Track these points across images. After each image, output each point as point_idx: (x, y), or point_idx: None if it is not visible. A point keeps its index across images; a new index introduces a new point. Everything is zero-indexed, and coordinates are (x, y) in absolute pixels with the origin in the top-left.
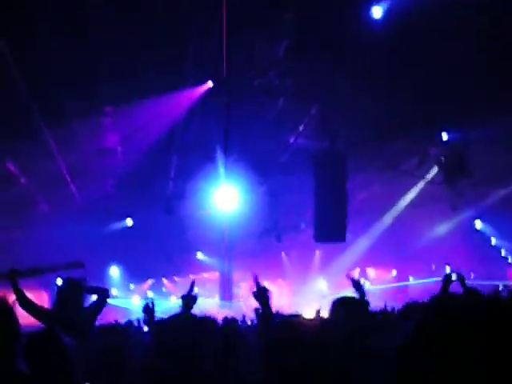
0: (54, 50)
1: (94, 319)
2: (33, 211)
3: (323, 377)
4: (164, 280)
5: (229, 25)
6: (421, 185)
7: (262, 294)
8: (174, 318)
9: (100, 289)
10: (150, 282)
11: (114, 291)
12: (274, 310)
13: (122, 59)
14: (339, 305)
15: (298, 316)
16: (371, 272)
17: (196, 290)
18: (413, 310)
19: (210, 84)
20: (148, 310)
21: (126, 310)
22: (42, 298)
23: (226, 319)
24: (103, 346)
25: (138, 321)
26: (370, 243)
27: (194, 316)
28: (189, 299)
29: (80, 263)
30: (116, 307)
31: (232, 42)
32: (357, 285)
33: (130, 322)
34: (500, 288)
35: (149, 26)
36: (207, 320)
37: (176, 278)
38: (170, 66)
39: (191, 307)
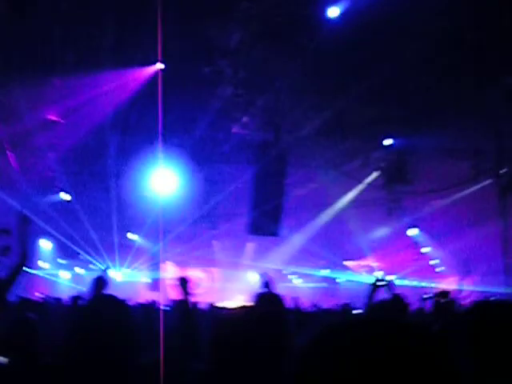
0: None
1: (9, 287)
2: None
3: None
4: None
5: (184, 9)
6: (360, 187)
7: (183, 284)
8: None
9: (25, 252)
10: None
11: (43, 264)
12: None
13: (75, 29)
14: (259, 299)
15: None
16: (304, 270)
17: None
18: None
19: (159, 66)
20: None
21: (54, 283)
22: None
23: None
24: (18, 317)
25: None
26: (305, 240)
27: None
28: (99, 281)
29: (6, 230)
30: (44, 280)
31: (186, 28)
32: (266, 284)
33: (53, 299)
34: (425, 296)
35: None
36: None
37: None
38: (123, 43)
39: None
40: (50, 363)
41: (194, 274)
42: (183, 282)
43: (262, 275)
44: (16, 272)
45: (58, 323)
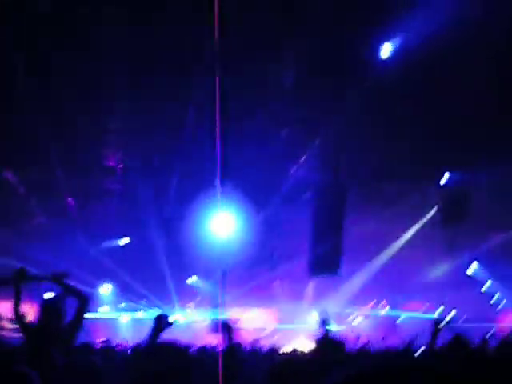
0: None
1: (76, 332)
2: (29, 222)
3: None
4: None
5: (237, 51)
6: (418, 225)
7: (226, 329)
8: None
9: (80, 292)
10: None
11: (104, 309)
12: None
13: (131, 78)
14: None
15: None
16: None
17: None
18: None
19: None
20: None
21: (115, 327)
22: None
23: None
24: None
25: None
26: (365, 280)
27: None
28: (160, 320)
29: (65, 274)
30: (105, 324)
31: (243, 67)
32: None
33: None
34: (488, 335)
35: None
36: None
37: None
38: (175, 90)
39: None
40: None
41: (257, 315)
42: (227, 327)
43: (321, 313)
44: (82, 314)
45: (119, 369)
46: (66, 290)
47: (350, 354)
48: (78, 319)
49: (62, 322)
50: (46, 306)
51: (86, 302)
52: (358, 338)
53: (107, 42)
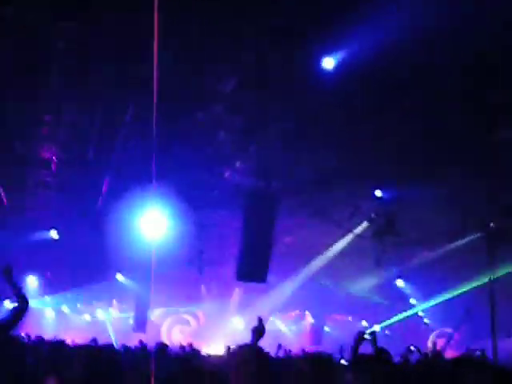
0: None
1: (10, 329)
2: None
3: None
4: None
5: (179, 53)
6: (349, 237)
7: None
8: None
9: (24, 294)
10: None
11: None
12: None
13: (71, 67)
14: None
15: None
16: (289, 316)
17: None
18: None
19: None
20: None
21: (39, 321)
22: None
23: None
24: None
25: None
26: (293, 288)
27: None
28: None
29: (10, 267)
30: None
31: (180, 71)
32: (256, 330)
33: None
34: (412, 348)
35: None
36: None
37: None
38: (113, 85)
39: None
40: None
41: (182, 317)
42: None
43: (258, 320)
44: (19, 316)
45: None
46: (13, 288)
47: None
48: (14, 321)
49: None
50: None
51: (26, 304)
52: (280, 346)
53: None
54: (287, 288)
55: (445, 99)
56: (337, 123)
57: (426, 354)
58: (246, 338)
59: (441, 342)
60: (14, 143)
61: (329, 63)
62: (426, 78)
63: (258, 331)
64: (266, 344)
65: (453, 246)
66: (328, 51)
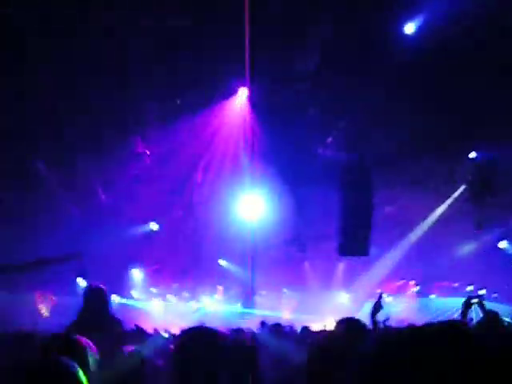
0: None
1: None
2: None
3: None
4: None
5: (263, 36)
6: (447, 202)
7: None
8: None
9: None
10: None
11: (135, 293)
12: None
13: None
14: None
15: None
16: (393, 286)
17: None
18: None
19: (244, 93)
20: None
21: (146, 312)
22: None
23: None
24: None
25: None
26: (396, 259)
27: None
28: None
29: (78, 254)
30: (137, 309)
31: (268, 54)
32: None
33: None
34: (473, 300)
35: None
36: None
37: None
38: (199, 81)
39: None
40: None
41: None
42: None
43: (379, 296)
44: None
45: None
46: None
47: None
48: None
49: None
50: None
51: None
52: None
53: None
54: (390, 259)
55: None
56: (425, 89)
57: None
58: (351, 312)
59: None
60: (107, 137)
61: (410, 28)
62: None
63: (377, 306)
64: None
65: None
66: (409, 17)
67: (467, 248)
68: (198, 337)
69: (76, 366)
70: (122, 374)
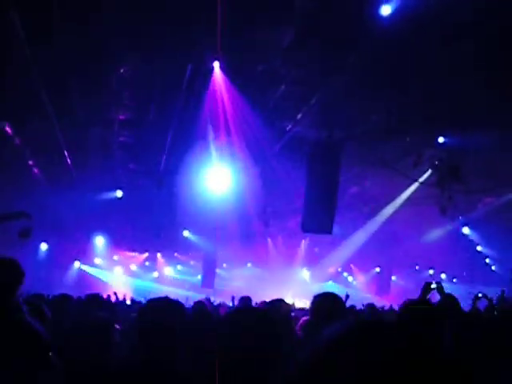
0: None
1: None
2: (27, 175)
3: None
4: (158, 255)
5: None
6: (414, 185)
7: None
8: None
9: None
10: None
11: (97, 260)
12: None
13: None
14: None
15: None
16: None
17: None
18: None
19: (216, 64)
20: None
21: (106, 283)
22: None
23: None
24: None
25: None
26: (361, 240)
27: None
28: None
29: (25, 213)
30: (98, 279)
31: (239, 27)
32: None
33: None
34: (479, 295)
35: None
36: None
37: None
38: (175, 44)
39: None
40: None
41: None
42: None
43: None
44: None
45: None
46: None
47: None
48: None
49: None
50: None
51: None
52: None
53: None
54: (354, 240)
55: (504, 42)
56: (397, 71)
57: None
58: (313, 290)
59: None
60: (77, 104)
61: (386, 10)
62: (487, 19)
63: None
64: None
65: None
66: None
67: (431, 233)
68: (162, 306)
69: None
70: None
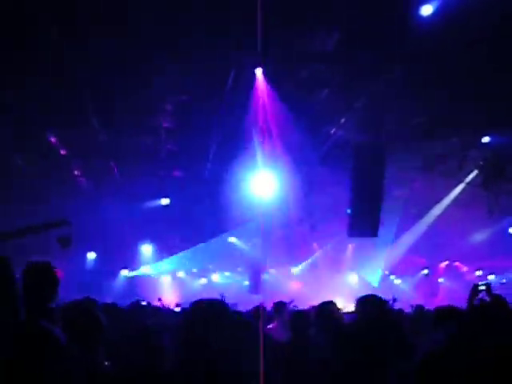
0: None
1: None
2: (73, 184)
3: None
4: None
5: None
6: (460, 187)
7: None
8: None
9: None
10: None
11: (145, 268)
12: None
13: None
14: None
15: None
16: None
17: None
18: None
19: (258, 71)
20: None
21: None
22: None
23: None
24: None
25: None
26: (408, 242)
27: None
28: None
29: (65, 220)
30: (146, 286)
31: (282, 33)
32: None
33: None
34: (481, 287)
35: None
36: None
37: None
38: (216, 52)
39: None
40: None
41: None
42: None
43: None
44: None
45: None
46: None
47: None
48: None
49: None
50: None
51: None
52: (394, 299)
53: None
54: (402, 242)
55: None
56: (440, 73)
57: None
58: (360, 293)
59: None
60: (122, 113)
61: (427, 10)
62: None
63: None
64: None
65: None
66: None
67: (479, 234)
68: (206, 310)
69: None
70: None
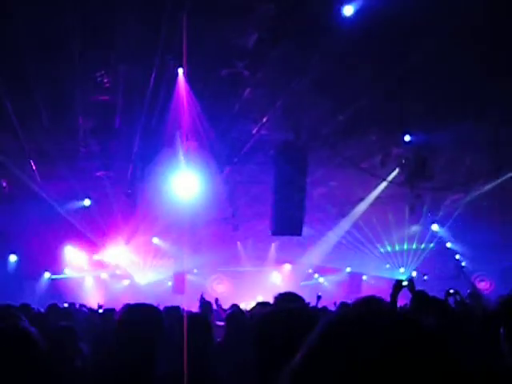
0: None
1: None
2: None
3: None
4: None
5: (197, 13)
6: (382, 185)
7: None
8: None
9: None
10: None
11: (68, 271)
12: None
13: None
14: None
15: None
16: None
17: None
18: None
19: (180, 70)
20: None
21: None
22: None
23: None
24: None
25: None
26: (329, 242)
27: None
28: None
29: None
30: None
31: (203, 31)
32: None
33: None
34: (451, 291)
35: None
36: None
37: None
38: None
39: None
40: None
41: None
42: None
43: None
44: None
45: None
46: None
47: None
48: None
49: None
50: None
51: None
52: (319, 297)
53: None
54: (324, 241)
55: (475, 37)
56: (361, 70)
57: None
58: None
59: (482, 285)
60: (42, 112)
61: (348, 10)
62: (450, 17)
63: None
64: (306, 296)
65: (486, 187)
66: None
67: (402, 231)
68: (139, 313)
69: None
70: None
